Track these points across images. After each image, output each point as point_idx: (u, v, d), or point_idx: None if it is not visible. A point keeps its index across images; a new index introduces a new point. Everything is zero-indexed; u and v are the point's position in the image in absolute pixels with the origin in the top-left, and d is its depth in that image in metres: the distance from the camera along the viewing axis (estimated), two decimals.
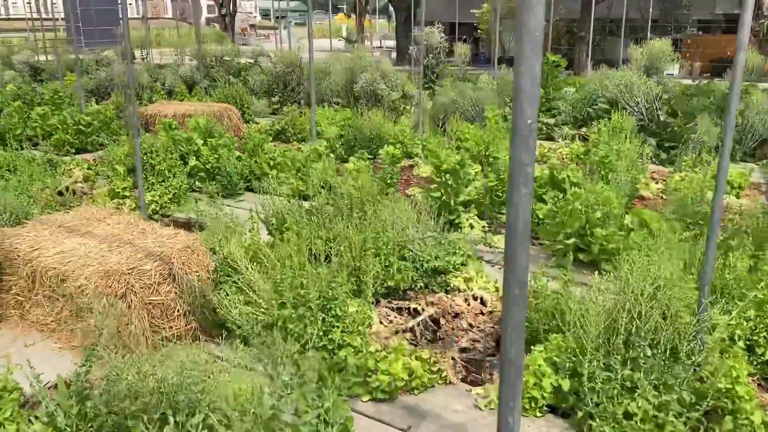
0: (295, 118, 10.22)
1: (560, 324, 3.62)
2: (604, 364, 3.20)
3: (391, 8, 57.47)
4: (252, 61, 16.56)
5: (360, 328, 3.75)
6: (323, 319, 3.64)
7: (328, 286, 3.75)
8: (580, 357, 3.20)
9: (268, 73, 13.62)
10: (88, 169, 8.03)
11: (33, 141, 10.10)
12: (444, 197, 5.86)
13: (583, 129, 10.04)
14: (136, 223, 4.58)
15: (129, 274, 3.82)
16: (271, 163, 7.49)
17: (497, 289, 4.63)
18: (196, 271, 4.06)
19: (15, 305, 4.37)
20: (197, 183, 7.65)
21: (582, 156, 8.25)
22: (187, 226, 6.14)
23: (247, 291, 3.91)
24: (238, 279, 3.98)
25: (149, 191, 6.92)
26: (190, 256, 4.10)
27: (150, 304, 3.86)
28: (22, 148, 9.24)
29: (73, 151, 9.57)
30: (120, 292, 3.73)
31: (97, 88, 15.10)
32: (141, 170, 5.94)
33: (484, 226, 6.17)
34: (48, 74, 18.50)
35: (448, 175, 5.77)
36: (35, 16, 24.99)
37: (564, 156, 8.58)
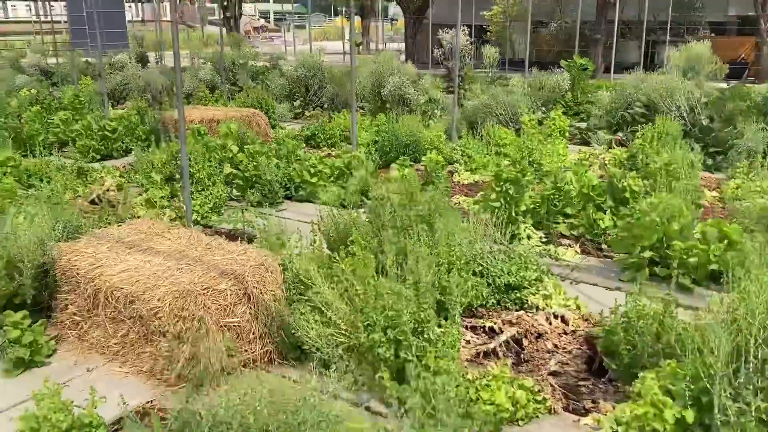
0: (325, 123, 9.97)
1: (668, 348, 3.39)
2: (730, 393, 2.96)
3: (391, 11, 57.26)
4: (269, 64, 16.31)
5: (451, 351, 3.52)
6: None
7: (419, 308, 3.51)
8: (707, 386, 2.96)
9: (288, 77, 13.37)
10: (120, 176, 7.78)
11: (55, 147, 9.85)
12: (504, 207, 5.62)
13: (619, 133, 9.82)
14: (198, 238, 4.34)
15: (204, 294, 3.58)
16: (312, 170, 7.25)
17: (578, 307, 4.40)
18: (271, 290, 3.82)
19: (71, 325, 4.13)
20: (234, 191, 7.41)
21: (625, 162, 8.03)
22: (233, 237, 5.89)
23: (324, 310, 3.68)
24: (313, 297, 3.74)
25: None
26: (264, 274, 3.85)
27: (225, 326, 3.62)
28: (50, 154, 8.99)
29: (99, 157, 9.32)
30: (197, 315, 3.49)
31: (112, 92, 14.85)
32: (188, 179, 5.69)
33: (540, 237, 5.94)
34: (59, 78, 18.23)
35: (508, 185, 5.54)
36: (35, 19, 24.81)
37: (607, 162, 8.35)
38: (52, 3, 32.14)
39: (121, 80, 14.94)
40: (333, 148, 9.77)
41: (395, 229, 4.74)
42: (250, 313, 3.72)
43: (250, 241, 5.31)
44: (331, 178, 7.42)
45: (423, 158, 7.58)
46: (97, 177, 7.70)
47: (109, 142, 9.44)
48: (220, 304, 3.61)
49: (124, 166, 8.48)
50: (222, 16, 39.15)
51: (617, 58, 24.13)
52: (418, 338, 3.45)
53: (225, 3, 37.73)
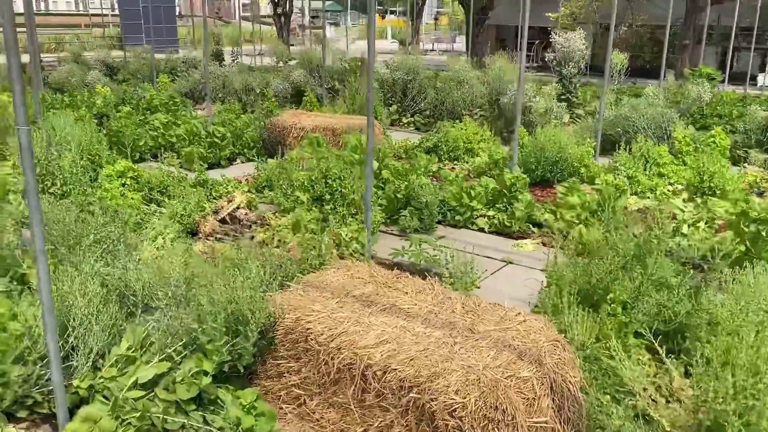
0: (448, 134, 9.09)
1: None
2: None
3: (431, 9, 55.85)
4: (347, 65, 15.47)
5: None
6: None
7: None
8: None
9: (384, 81, 12.52)
10: (248, 192, 6.99)
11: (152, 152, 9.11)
12: (750, 251, 4.68)
13: None
14: (445, 294, 3.49)
15: (508, 385, 2.72)
16: (472, 192, 6.37)
17: None
18: (573, 377, 2.94)
19: (289, 399, 3.31)
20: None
21: None
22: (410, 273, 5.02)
23: (652, 412, 2.79)
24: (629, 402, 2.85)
25: (340, 225, 5.85)
26: (562, 354, 2.98)
27: (533, 428, 2.75)
28: (155, 161, 8.27)
29: (206, 166, 8.55)
30: (509, 413, 2.63)
31: (191, 91, 14.17)
32: (371, 201, 4.84)
33: None
34: (126, 73, 17.63)
35: (760, 226, 4.59)
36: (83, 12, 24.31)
37: None
38: None
39: (200, 79, 14.22)
40: (456, 162, 8.90)
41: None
42: (553, 410, 2.85)
43: (423, 276, 4.45)
44: (484, 201, 6.54)
45: (596, 180, 6.67)
46: (223, 191, 6.92)
47: (217, 150, 8.68)
48: (525, 397, 2.74)
49: (246, 179, 7.69)
50: (273, 13, 38.62)
51: (691, 64, 22.80)
52: None
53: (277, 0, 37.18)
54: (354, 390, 2.99)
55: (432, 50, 43.83)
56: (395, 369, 2.82)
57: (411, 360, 2.85)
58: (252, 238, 6.18)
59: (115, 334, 3.72)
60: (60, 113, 8.80)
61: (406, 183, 6.44)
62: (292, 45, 32.13)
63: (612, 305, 3.65)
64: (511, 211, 6.28)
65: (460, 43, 42.00)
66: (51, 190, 5.59)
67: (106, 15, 41.82)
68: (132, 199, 6.35)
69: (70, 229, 4.80)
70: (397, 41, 45.28)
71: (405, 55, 12.66)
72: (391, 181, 6.69)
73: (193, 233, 6.22)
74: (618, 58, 11.43)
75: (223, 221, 6.62)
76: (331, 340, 3.08)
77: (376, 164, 7.14)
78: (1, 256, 4.75)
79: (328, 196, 6.04)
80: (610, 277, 3.83)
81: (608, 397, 2.77)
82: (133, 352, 3.54)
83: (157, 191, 6.73)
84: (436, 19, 59.87)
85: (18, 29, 3.18)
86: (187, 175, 7.17)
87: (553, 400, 2.86)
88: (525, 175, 6.51)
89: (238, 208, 6.78)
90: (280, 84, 12.94)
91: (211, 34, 21.13)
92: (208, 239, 6.18)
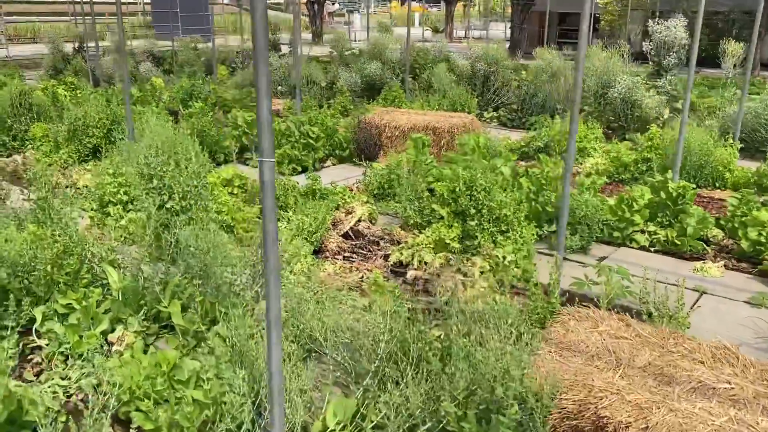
0: (553, 133, 8.28)
1: None
2: None
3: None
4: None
5: None
6: None
7: None
8: None
9: (459, 73, 11.69)
10: (367, 202, 6.26)
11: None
12: None
13: None
14: (741, 360, 2.72)
15: None
16: (635, 205, 5.58)
17: None
18: None
19: None
20: None
21: None
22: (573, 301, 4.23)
23: None
24: None
25: (497, 247, 5.10)
26: None
27: None
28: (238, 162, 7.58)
29: (299, 170, 7.83)
30: None
31: (252, 83, 13.43)
32: (566, 217, 4.07)
33: None
34: (175, 65, 16.95)
35: None
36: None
37: None
38: None
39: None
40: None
41: None
42: None
43: (644, 319, 3.69)
44: (641, 214, 5.75)
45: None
46: (340, 202, 6.19)
47: (310, 151, 7.94)
48: None
49: (357, 186, 6.96)
50: (306, 0, 37.75)
51: (757, 55, 21.57)
52: None
53: None
54: None
55: (465, 38, 42.73)
56: None
57: None
58: (386, 257, 5.47)
59: (310, 403, 3.02)
60: (142, 112, 8.13)
61: (555, 193, 5.67)
62: (326, 33, 31.28)
63: None
64: (680, 226, 5.48)
65: (495, 31, 40.86)
66: (168, 205, 4.88)
67: (136, 3, 41.20)
68: (248, 213, 5.65)
69: (215, 258, 4.11)
70: (430, 29, 44.15)
71: (483, 44, 11.80)
72: (532, 191, 5.92)
73: (316, 251, 5.53)
74: (734, 49, 10.50)
75: (345, 236, 5.91)
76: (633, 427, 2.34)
77: (507, 170, 6.38)
78: (135, 290, 4.08)
79: (473, 211, 5.29)
80: None
81: None
82: (342, 429, 2.84)
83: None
84: (465, 5, 58.41)
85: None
86: (296, 181, 6.45)
87: None
88: (692, 185, 5.69)
89: (359, 221, 6.07)
90: (349, 77, 12.15)
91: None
92: (335, 258, 5.48)
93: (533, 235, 5.30)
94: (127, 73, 6.33)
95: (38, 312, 3.99)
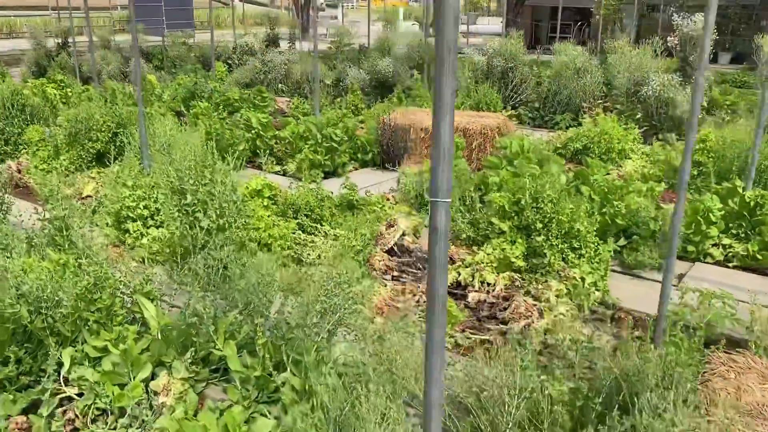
0: (592, 132, 7.78)
1: None
2: None
3: None
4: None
5: None
6: None
7: None
8: None
9: (476, 69, 11.17)
10: (410, 214, 5.71)
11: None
12: None
13: None
14: None
15: None
16: (712, 217, 5.10)
17: None
18: None
19: None
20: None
21: None
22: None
23: None
24: None
25: (570, 266, 4.59)
26: None
27: None
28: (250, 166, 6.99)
29: (322, 175, 7.24)
30: None
31: (252, 81, 12.79)
32: (676, 238, 3.55)
33: None
34: (162, 61, 16.20)
35: None
36: None
37: None
38: None
39: (262, 67, 12.85)
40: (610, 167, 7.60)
41: None
42: None
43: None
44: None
45: None
46: (380, 213, 5.63)
47: (334, 156, 7.36)
48: None
49: (392, 195, 6.39)
50: None
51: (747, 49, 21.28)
52: None
53: None
54: None
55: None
56: None
57: None
58: None
59: None
60: (146, 114, 7.48)
61: (625, 204, 5.17)
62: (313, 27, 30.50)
63: None
64: (761, 239, 5.02)
65: (481, 25, 40.49)
66: (203, 224, 4.29)
67: None
68: (283, 228, 5.06)
69: (269, 286, 3.53)
70: (417, 23, 43.49)
71: (501, 39, 11.27)
72: (596, 201, 5.41)
73: None
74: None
75: (389, 252, 5.35)
76: None
77: (564, 177, 5.87)
78: (179, 327, 3.49)
79: (539, 225, 4.76)
80: None
81: None
82: None
83: (304, 214, 5.44)
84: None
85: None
86: (330, 191, 5.87)
87: None
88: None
89: (403, 235, 5.52)
90: (357, 74, 11.56)
91: (266, 17, 19.66)
92: (384, 279, 4.93)
93: (609, 252, 4.80)
94: (139, 72, 5.75)
95: (66, 355, 3.38)
